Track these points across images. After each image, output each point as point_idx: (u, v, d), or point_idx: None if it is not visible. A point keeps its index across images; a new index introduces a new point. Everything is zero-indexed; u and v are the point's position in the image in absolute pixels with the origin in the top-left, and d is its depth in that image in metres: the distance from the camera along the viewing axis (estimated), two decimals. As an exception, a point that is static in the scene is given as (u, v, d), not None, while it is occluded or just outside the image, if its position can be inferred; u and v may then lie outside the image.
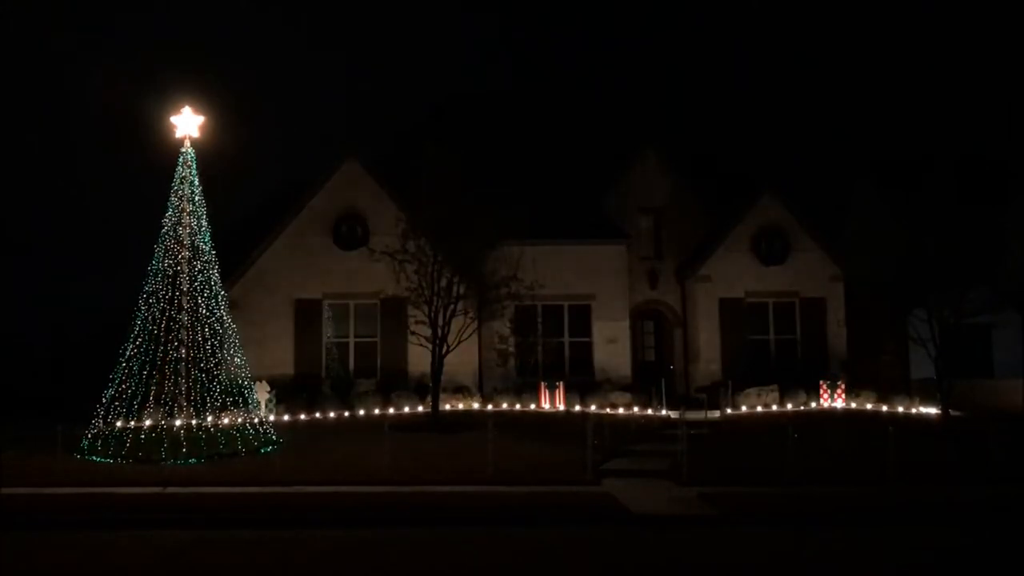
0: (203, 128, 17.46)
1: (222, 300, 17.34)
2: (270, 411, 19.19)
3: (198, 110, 17.46)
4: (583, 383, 21.98)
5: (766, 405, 21.20)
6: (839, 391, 21.33)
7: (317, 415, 20.09)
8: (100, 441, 15.98)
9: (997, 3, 49.96)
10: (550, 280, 21.79)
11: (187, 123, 17.25)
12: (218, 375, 16.82)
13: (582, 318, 23.54)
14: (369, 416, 19.93)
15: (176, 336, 16.55)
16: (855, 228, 27.42)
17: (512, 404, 21.04)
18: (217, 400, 16.77)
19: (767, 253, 24.09)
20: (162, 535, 10.90)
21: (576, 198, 24.50)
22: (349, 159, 23.10)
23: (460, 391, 21.34)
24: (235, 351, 17.22)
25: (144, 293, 16.74)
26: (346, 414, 20.17)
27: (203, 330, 16.72)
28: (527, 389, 21.50)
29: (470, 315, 19.12)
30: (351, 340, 22.69)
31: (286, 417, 19.55)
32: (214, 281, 17.12)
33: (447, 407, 20.06)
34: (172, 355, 16.47)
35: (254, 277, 22.60)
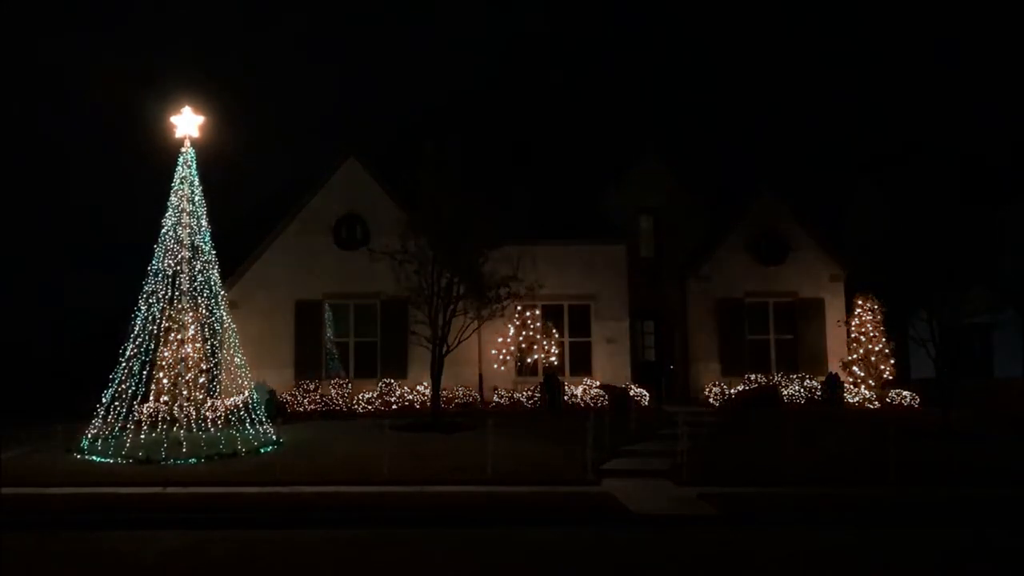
0: (203, 128, 17.47)
1: (222, 300, 17.33)
2: (270, 411, 19.17)
3: (198, 110, 17.47)
4: (583, 383, 22.03)
5: (765, 405, 21.18)
6: (839, 391, 21.33)
7: (317, 415, 20.10)
8: (100, 441, 15.98)
9: (997, 3, 49.96)
10: (550, 280, 21.83)
11: (187, 123, 17.25)
12: (218, 375, 16.82)
13: (582, 318, 23.57)
14: (369, 416, 19.95)
15: (176, 336, 16.56)
16: (855, 228, 27.44)
17: (512, 404, 21.05)
18: (217, 400, 16.79)
19: (767, 253, 24.11)
20: (162, 535, 10.89)
21: (576, 198, 24.52)
22: (349, 159, 23.13)
23: (460, 391, 21.35)
24: (235, 351, 17.22)
25: (144, 293, 16.73)
26: (346, 413, 20.18)
27: (203, 330, 16.73)
28: (527, 389, 21.53)
29: (470, 315, 19.11)
30: (351, 340, 22.71)
31: (286, 417, 19.56)
32: (214, 281, 17.12)
33: (447, 407, 20.05)
34: (172, 355, 16.49)
35: (254, 277, 22.63)
